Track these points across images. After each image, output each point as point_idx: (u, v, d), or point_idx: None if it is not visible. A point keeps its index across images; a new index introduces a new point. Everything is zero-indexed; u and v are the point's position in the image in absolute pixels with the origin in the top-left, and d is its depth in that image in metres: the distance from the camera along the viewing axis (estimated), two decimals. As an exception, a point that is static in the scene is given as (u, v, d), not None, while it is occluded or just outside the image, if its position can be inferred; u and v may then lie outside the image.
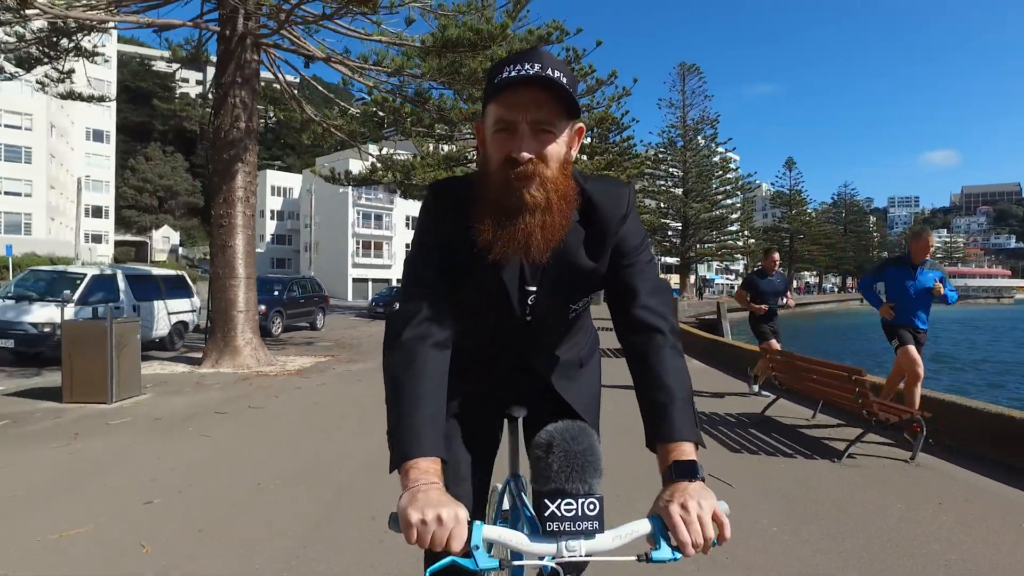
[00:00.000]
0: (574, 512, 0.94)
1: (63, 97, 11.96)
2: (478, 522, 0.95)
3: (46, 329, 9.48)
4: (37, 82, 11.12)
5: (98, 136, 62.39)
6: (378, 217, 53.48)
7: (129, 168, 74.78)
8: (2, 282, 35.24)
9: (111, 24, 9.64)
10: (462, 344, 1.31)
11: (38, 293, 10.17)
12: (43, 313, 9.62)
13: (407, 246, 53.88)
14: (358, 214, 52.14)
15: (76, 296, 9.91)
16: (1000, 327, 41.71)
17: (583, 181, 1.23)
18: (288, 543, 3.05)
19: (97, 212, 62.33)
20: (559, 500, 0.95)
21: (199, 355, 10.41)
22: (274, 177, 66.34)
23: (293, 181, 66.22)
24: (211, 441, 5.13)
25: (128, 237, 72.08)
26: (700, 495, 0.97)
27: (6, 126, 44.40)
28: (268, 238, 65.83)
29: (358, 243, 52.19)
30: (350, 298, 48.47)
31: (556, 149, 1.13)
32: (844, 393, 4.79)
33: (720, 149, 60.08)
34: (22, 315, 9.58)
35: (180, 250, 76.68)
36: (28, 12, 7.07)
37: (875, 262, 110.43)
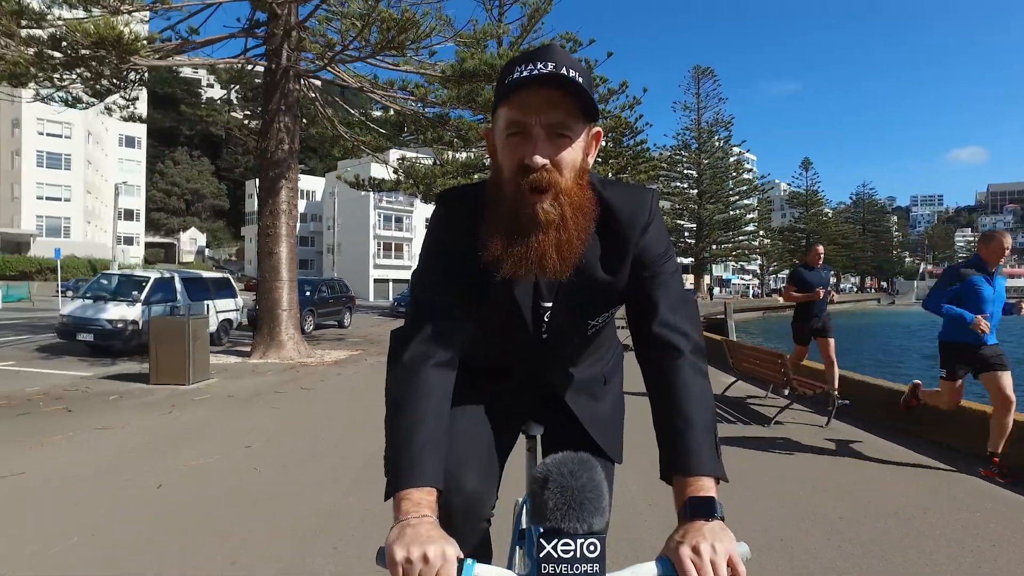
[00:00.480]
0: (572, 554, 0.88)
1: (126, 120, 13.49)
2: (469, 560, 0.90)
3: (119, 325, 10.97)
4: (105, 108, 12.63)
5: (130, 142, 64.92)
6: (398, 219, 55.11)
7: (158, 172, 77.36)
8: (45, 283, 37.45)
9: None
10: (476, 359, 1.30)
11: (110, 294, 11.67)
12: (116, 311, 11.12)
13: (426, 247, 55.38)
14: (379, 216, 53.82)
15: (142, 296, 11.44)
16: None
17: (601, 187, 1.16)
18: (351, 476, 4.38)
19: (128, 215, 64.74)
20: (555, 540, 0.89)
21: (247, 348, 11.86)
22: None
23: (316, 184, 68.13)
24: (279, 412, 6.52)
25: (157, 239, 74.62)
26: (716, 537, 0.90)
27: (48, 135, 46.76)
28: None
29: (379, 245, 53.88)
30: (371, 298, 50.12)
31: (572, 155, 1.06)
32: (774, 372, 6.08)
33: (738, 149, 60.89)
34: (99, 313, 11.08)
35: (206, 251, 79.13)
36: (123, 66, 8.53)
37: (895, 262, 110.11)
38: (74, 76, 10.01)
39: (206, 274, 14.57)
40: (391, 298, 40.80)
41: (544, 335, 1.24)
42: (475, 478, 1.24)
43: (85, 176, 50.32)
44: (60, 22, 8.73)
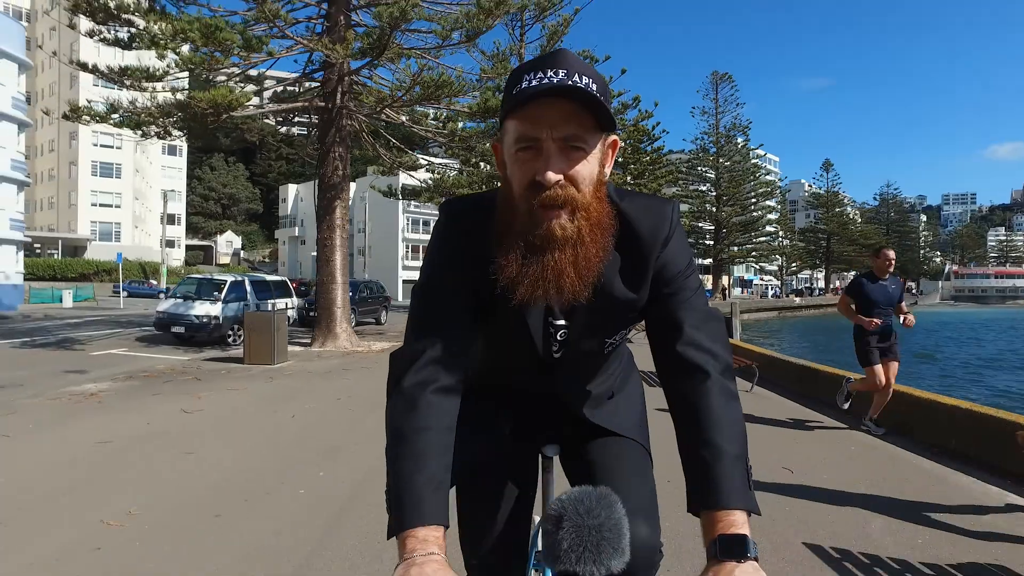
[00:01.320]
0: None
1: (201, 151, 15.87)
2: None
3: (204, 320, 13.38)
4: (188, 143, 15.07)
5: (172, 150, 68.40)
6: (426, 223, 57.60)
7: (196, 178, 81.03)
8: (101, 284, 40.62)
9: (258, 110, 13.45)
10: (485, 380, 1.28)
11: (196, 294, 14.12)
12: (202, 308, 13.54)
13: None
14: (407, 220, 56.41)
15: (222, 296, 13.85)
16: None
17: (619, 199, 1.09)
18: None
19: (170, 219, 68.04)
20: None
21: (307, 340, 14.19)
22: (329, 185, 71.15)
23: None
24: (351, 381, 8.77)
25: (195, 241, 78.25)
26: None
27: (102, 146, 50.26)
28: (323, 242, 70.85)
29: (407, 247, 56.49)
30: (400, 298, 52.67)
31: (588, 168, 0.98)
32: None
33: (760, 151, 62.24)
34: (188, 310, 13.52)
35: (241, 253, 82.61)
36: (221, 117, 10.92)
37: (920, 262, 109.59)
38: (171, 121, 12.44)
39: (269, 277, 17.03)
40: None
41: (556, 353, 1.17)
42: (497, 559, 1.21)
43: (134, 183, 53.84)
44: (182, 87, 11.18)
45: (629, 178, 28.82)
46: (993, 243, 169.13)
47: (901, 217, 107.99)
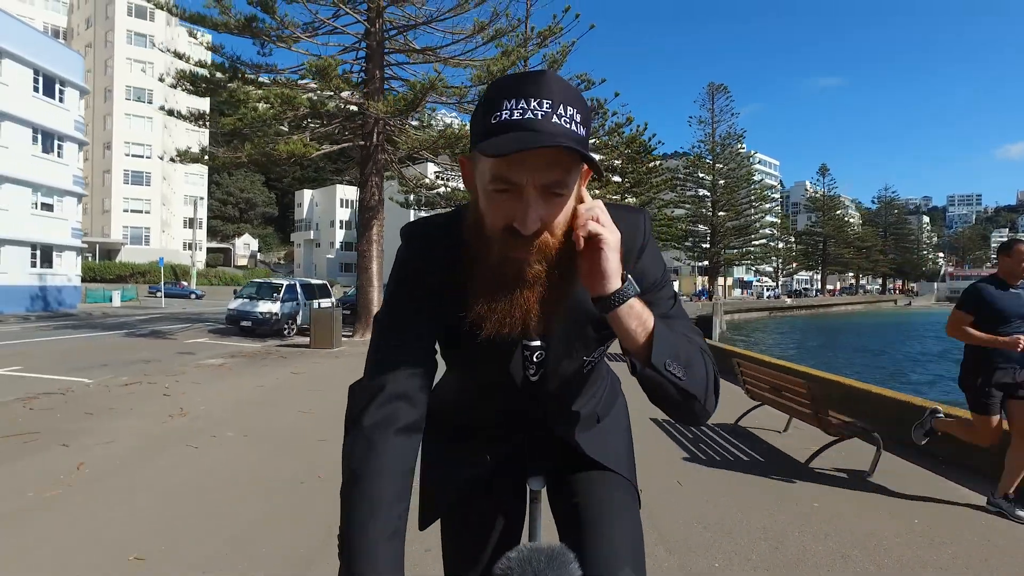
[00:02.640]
0: None
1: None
2: None
3: (266, 315, 16.63)
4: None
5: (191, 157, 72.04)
6: (434, 227, 60.95)
7: (215, 183, 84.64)
8: (134, 285, 44.03)
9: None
10: (464, 409, 1.24)
11: (257, 295, 17.39)
12: (264, 306, 16.80)
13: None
14: (417, 225, 59.55)
15: (280, 297, 17.13)
16: None
17: None
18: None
19: (190, 223, 71.93)
20: None
21: (348, 332, 17.44)
22: (342, 191, 74.68)
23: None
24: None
25: (214, 244, 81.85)
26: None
27: (133, 155, 53.87)
28: (337, 245, 74.35)
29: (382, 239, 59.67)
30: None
31: (565, 212, 0.94)
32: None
33: (759, 156, 65.08)
34: (253, 308, 16.79)
35: (258, 255, 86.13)
36: (291, 160, 14.24)
37: (917, 263, 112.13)
38: (242, 158, 15.75)
39: (314, 281, 20.33)
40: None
41: (533, 376, 1.14)
42: None
43: (161, 190, 57.42)
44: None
45: (628, 184, 31.43)
46: (995, 245, 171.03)
47: (898, 219, 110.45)
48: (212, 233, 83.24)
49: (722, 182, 61.78)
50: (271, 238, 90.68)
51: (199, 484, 4.29)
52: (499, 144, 0.85)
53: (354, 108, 16.35)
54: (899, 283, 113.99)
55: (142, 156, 54.61)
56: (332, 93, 13.69)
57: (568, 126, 0.88)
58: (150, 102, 52.12)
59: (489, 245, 0.96)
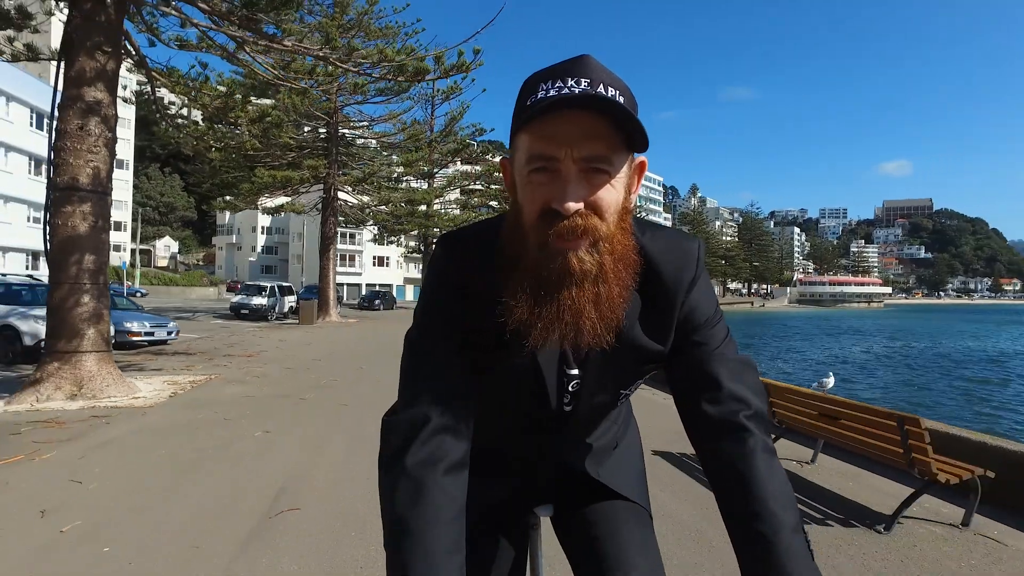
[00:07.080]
0: None
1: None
2: None
3: (260, 306, 25.29)
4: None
5: (119, 164, 75.96)
6: (352, 236, 68.87)
7: (135, 187, 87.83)
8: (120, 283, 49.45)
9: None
10: (480, 438, 1.05)
11: (250, 292, 26.04)
12: (257, 300, 25.50)
13: (373, 259, 70.01)
14: (337, 232, 67.59)
15: (266, 293, 25.93)
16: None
17: (640, 233, 0.95)
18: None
19: (117, 226, 75.88)
20: None
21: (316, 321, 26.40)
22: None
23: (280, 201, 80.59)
24: (358, 330, 21.42)
25: (135, 246, 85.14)
26: None
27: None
28: (259, 249, 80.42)
29: (336, 256, 67.78)
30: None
31: (613, 195, 0.84)
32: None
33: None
34: (250, 300, 25.43)
35: (178, 257, 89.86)
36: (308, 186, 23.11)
37: (776, 270, 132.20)
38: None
39: (283, 284, 29.11)
40: (357, 299, 55.19)
41: (567, 406, 1.04)
42: None
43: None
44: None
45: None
46: (854, 254, 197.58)
47: (758, 232, 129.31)
48: (132, 235, 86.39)
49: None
50: (190, 240, 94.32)
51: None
52: (533, 110, 0.80)
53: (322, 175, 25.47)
54: (757, 288, 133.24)
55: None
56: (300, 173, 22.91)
57: (611, 98, 0.80)
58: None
59: (529, 240, 0.86)
